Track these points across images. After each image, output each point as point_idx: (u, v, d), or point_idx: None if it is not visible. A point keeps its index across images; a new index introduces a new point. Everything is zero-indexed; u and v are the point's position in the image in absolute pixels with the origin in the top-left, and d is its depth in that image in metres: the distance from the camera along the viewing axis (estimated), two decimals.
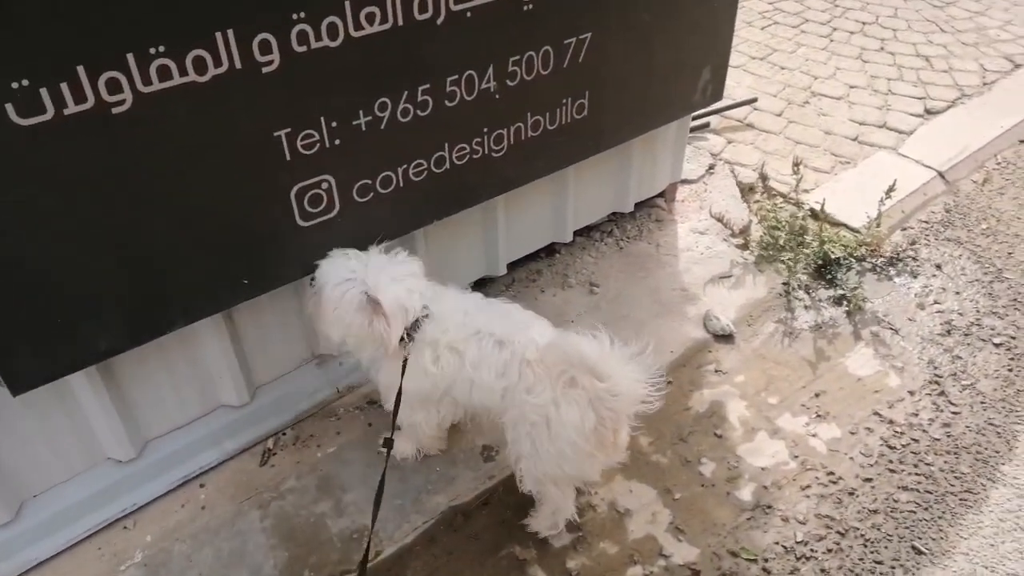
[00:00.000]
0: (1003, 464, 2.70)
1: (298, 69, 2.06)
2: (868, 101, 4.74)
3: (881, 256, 3.59)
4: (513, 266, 3.38)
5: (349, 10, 2.07)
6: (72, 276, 1.98)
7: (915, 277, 3.51)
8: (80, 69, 1.73)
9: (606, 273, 3.47)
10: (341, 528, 2.46)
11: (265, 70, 2.01)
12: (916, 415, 2.87)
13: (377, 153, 2.39)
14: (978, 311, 3.32)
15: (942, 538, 2.48)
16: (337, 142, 2.26)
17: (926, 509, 2.56)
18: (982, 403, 2.91)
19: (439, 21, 2.28)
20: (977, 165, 4.21)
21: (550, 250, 3.55)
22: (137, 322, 2.17)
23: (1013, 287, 3.43)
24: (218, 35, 1.89)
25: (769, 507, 2.56)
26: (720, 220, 3.75)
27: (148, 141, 1.92)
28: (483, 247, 3.16)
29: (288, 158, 2.19)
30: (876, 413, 2.88)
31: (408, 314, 2.18)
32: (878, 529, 2.51)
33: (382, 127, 2.34)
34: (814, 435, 2.80)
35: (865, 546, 2.46)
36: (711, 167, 4.18)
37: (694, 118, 4.12)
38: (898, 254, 3.61)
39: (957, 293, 3.41)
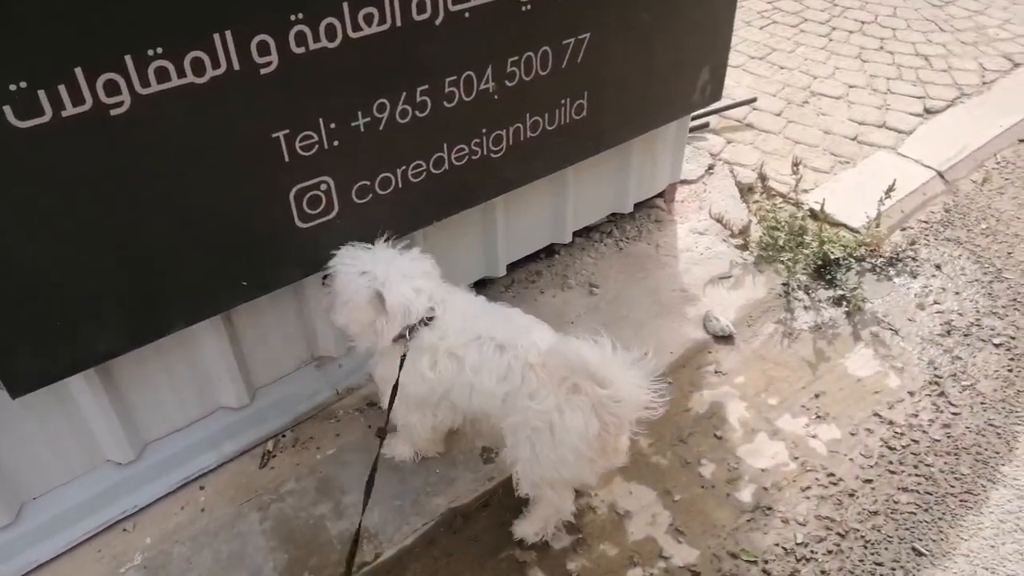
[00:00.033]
0: (1003, 465, 2.70)
1: (296, 70, 2.06)
2: (867, 101, 4.73)
3: (881, 256, 3.59)
4: (512, 267, 3.38)
5: (347, 11, 2.07)
6: (71, 278, 1.97)
7: (915, 277, 3.51)
8: (78, 71, 1.73)
9: (606, 274, 3.46)
10: (341, 530, 2.45)
11: (263, 71, 2.01)
12: (916, 416, 2.87)
13: (376, 154, 2.38)
14: (978, 311, 3.31)
15: (942, 539, 2.48)
16: (336, 143, 2.26)
17: (926, 510, 2.56)
18: (982, 404, 2.91)
19: (437, 22, 2.28)
20: (977, 165, 4.21)
21: (549, 251, 3.54)
22: (136, 324, 2.16)
23: (1013, 287, 3.43)
24: (216, 36, 1.89)
25: (769, 508, 2.56)
26: (719, 220, 3.74)
27: (147, 143, 1.92)
28: (482, 248, 3.16)
29: (287, 159, 2.18)
30: (876, 414, 2.88)
31: (411, 314, 2.18)
32: (878, 530, 2.50)
33: (381, 128, 2.33)
34: (814, 436, 2.80)
35: (865, 547, 2.46)
36: (710, 167, 4.17)
37: (693, 118, 4.11)
38: (898, 254, 3.61)
39: (957, 293, 3.41)
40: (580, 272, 3.47)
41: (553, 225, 3.40)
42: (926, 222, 3.82)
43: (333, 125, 2.22)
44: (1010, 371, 3.04)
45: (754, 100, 4.71)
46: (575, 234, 3.53)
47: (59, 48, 1.69)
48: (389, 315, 2.14)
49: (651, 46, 2.97)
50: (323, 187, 2.31)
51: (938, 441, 2.79)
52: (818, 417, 2.87)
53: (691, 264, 3.54)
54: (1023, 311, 3.30)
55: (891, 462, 2.71)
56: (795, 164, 3.66)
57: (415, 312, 2.18)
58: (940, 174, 4.09)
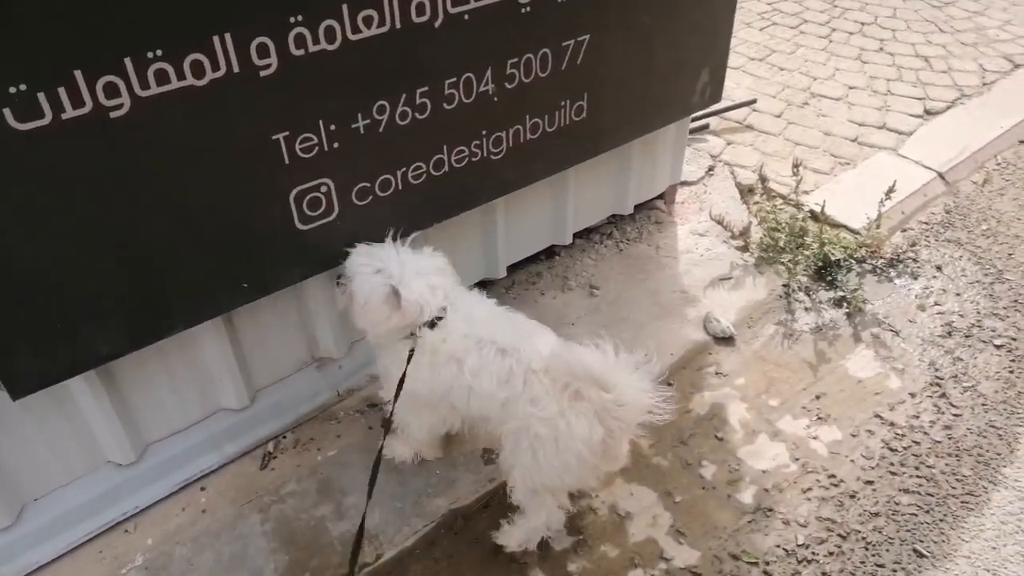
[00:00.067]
0: (1004, 466, 2.70)
1: (296, 72, 2.06)
2: (867, 102, 4.73)
3: (881, 257, 3.59)
4: (513, 268, 3.38)
5: (347, 13, 2.07)
6: (72, 280, 1.98)
7: (915, 279, 3.50)
8: (78, 73, 1.73)
9: (606, 275, 3.47)
10: (342, 531, 2.45)
11: (263, 74, 2.01)
12: (917, 417, 2.87)
13: (376, 156, 2.39)
14: (979, 312, 3.31)
15: (943, 541, 2.48)
16: (336, 145, 2.26)
17: (927, 512, 2.56)
18: (983, 405, 2.91)
19: (437, 24, 2.28)
20: (977, 166, 4.20)
21: (550, 252, 3.54)
22: (137, 326, 2.17)
23: (1014, 288, 3.42)
24: (215, 39, 1.89)
25: (770, 510, 2.56)
26: (720, 222, 3.74)
27: (146, 145, 1.92)
28: (482, 249, 3.16)
29: (287, 161, 2.19)
30: (877, 415, 2.88)
31: (424, 311, 2.17)
32: (879, 532, 2.50)
33: (380, 130, 2.34)
34: (815, 437, 2.80)
35: (866, 549, 2.45)
36: (711, 169, 4.17)
37: (693, 120, 4.12)
38: (898, 255, 3.61)
39: (958, 294, 3.41)
40: (580, 274, 3.47)
41: (553, 227, 3.40)
42: (927, 223, 3.82)
43: (333, 127, 2.23)
44: (1011, 372, 3.04)
45: (754, 101, 4.71)
46: (575, 235, 3.54)
47: (59, 50, 1.70)
48: (404, 311, 2.13)
49: (651, 48, 2.97)
50: (323, 189, 2.31)
51: (939, 442, 2.78)
52: (819, 418, 2.86)
53: (691, 265, 3.54)
54: None
55: (892, 463, 2.71)
56: (795, 165, 3.66)
57: (429, 309, 2.18)
58: (940, 175, 4.09)
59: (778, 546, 2.46)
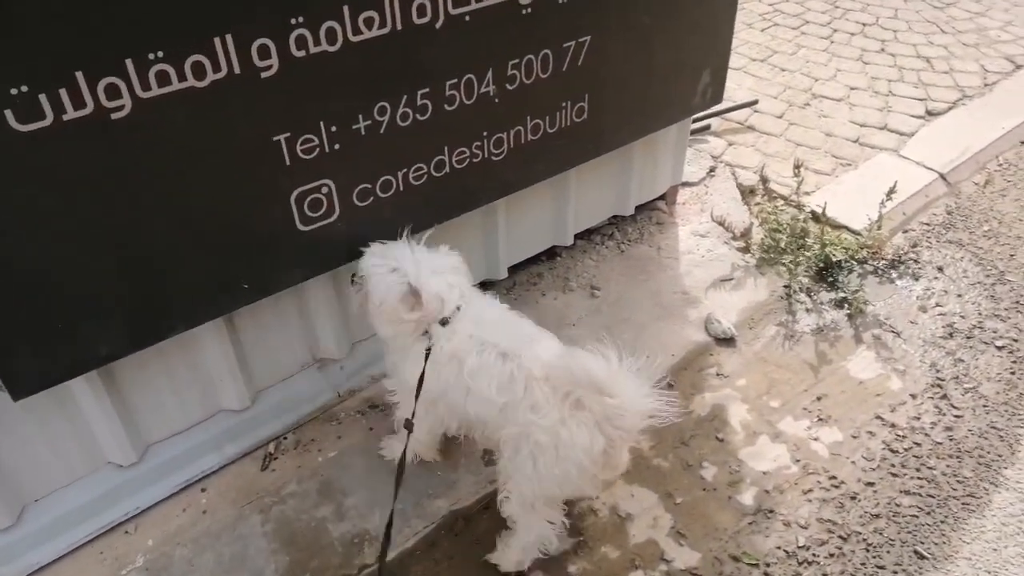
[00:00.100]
0: (1006, 468, 2.69)
1: (297, 74, 2.06)
2: (869, 103, 4.73)
3: (882, 259, 3.59)
4: (514, 269, 3.38)
5: (348, 15, 2.08)
6: (73, 281, 1.98)
7: (917, 280, 3.50)
8: (79, 75, 1.74)
9: (607, 276, 3.46)
10: (342, 532, 2.45)
11: (264, 75, 2.01)
12: (918, 419, 2.87)
13: (377, 157, 2.39)
14: (980, 314, 3.31)
15: (944, 543, 2.48)
16: (337, 146, 2.26)
17: (928, 513, 2.56)
18: (984, 406, 2.91)
19: (438, 25, 2.28)
20: (978, 167, 4.20)
21: (551, 253, 3.54)
22: (138, 327, 2.17)
23: (1015, 289, 3.42)
24: (217, 40, 1.89)
25: (771, 511, 2.56)
26: (721, 223, 3.74)
27: (147, 146, 1.92)
28: (483, 250, 3.16)
29: (288, 162, 2.19)
30: (878, 416, 2.87)
31: (445, 304, 2.16)
32: (880, 533, 2.50)
33: (381, 131, 2.34)
34: (816, 439, 2.79)
35: (867, 551, 2.45)
36: (712, 170, 4.17)
37: (695, 120, 4.11)
38: (899, 256, 3.60)
39: (959, 296, 3.41)
40: (581, 274, 3.47)
41: (554, 227, 3.40)
42: (928, 224, 3.81)
43: (334, 128, 2.23)
44: (1012, 374, 3.03)
45: (755, 102, 4.71)
46: (576, 236, 3.54)
47: (60, 52, 1.70)
48: (425, 307, 2.11)
49: (652, 49, 2.97)
50: (324, 190, 2.31)
51: (940, 444, 2.78)
52: (820, 420, 2.86)
53: (692, 266, 3.53)
54: None
55: (893, 465, 2.71)
56: (796, 166, 3.65)
57: (449, 304, 2.17)
58: (942, 176, 4.09)
59: (779, 548, 2.46)
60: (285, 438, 2.74)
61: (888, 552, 2.45)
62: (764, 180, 4.01)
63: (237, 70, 1.96)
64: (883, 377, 3.04)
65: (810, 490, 2.63)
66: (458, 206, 2.75)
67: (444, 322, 2.17)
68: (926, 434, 2.81)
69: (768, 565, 2.41)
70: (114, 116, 1.82)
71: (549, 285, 3.41)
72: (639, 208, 3.74)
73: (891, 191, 3.48)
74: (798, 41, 5.48)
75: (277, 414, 2.75)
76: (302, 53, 2.05)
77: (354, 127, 2.27)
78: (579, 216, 3.45)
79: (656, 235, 3.71)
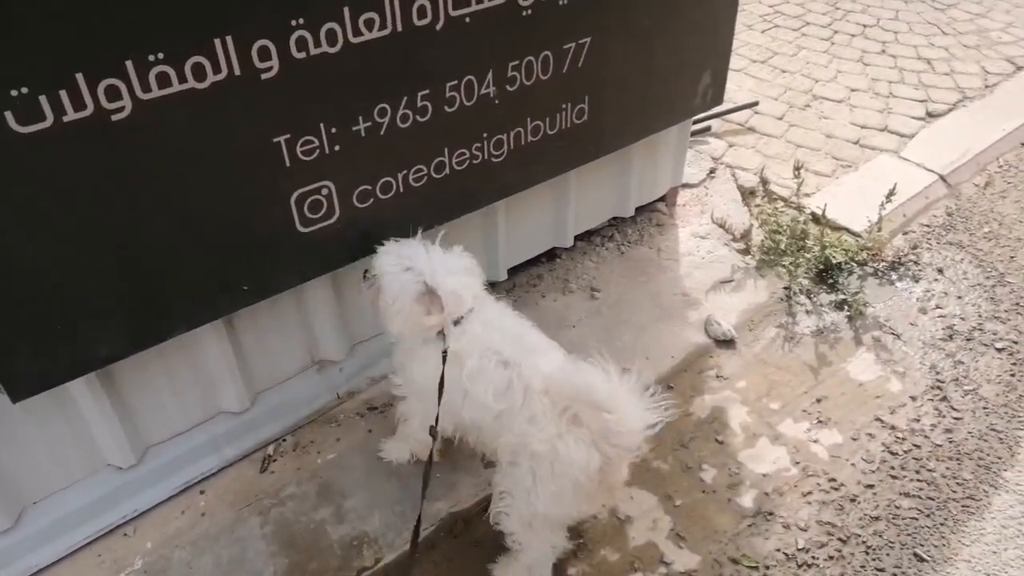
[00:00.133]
0: (1005, 470, 2.69)
1: (297, 75, 2.06)
2: (869, 104, 4.73)
3: (883, 260, 3.59)
4: (514, 271, 3.38)
5: (348, 16, 2.07)
6: (73, 283, 1.97)
7: (917, 281, 3.50)
8: (79, 76, 1.73)
9: (607, 278, 3.46)
10: (341, 535, 2.45)
11: (264, 76, 2.01)
12: (918, 421, 2.86)
13: (377, 159, 2.38)
14: (980, 316, 3.31)
15: (944, 545, 2.47)
16: (337, 148, 2.26)
17: (928, 516, 2.55)
18: (984, 408, 2.90)
19: (438, 27, 2.28)
20: (979, 168, 4.20)
21: (551, 255, 3.54)
22: (137, 328, 2.16)
23: (1015, 291, 3.42)
24: (217, 42, 1.89)
25: (770, 514, 2.55)
26: (721, 225, 3.74)
27: (148, 148, 1.92)
28: (483, 252, 3.16)
29: (288, 164, 2.19)
30: (878, 419, 2.87)
31: (463, 302, 2.14)
32: (880, 536, 2.50)
33: (382, 133, 2.33)
34: (815, 441, 2.79)
35: (867, 553, 2.45)
36: (712, 171, 4.17)
37: (695, 122, 4.11)
38: (900, 258, 3.60)
39: (959, 297, 3.40)
40: (581, 276, 3.47)
41: (554, 229, 3.40)
42: (928, 226, 3.81)
43: (334, 130, 2.22)
44: (1012, 376, 3.03)
45: (756, 104, 4.71)
46: (576, 238, 3.53)
47: (60, 53, 1.70)
48: (445, 305, 2.09)
49: (652, 50, 2.97)
50: (324, 192, 2.31)
51: (940, 446, 2.78)
52: (820, 422, 2.86)
53: (692, 268, 3.53)
54: None
55: (893, 467, 2.71)
56: (797, 168, 3.65)
57: (466, 304, 2.15)
58: (942, 178, 4.09)
59: (778, 550, 2.46)
60: (284, 440, 2.74)
61: (888, 555, 2.45)
62: (764, 182, 4.01)
63: (237, 71, 1.95)
64: (883, 379, 3.04)
65: (810, 492, 2.62)
66: (458, 207, 2.74)
67: (456, 322, 2.16)
68: (926, 436, 2.81)
69: (768, 568, 2.41)
70: (114, 118, 1.82)
71: (549, 287, 3.41)
72: (639, 210, 3.74)
73: (891, 193, 3.48)
74: (799, 43, 5.48)
75: (276, 416, 2.75)
76: (302, 54, 2.04)
77: (354, 128, 2.27)
78: (579, 218, 3.44)
79: (656, 237, 3.71)
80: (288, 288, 2.46)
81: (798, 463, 2.72)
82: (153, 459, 2.55)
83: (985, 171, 4.19)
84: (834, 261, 3.47)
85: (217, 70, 1.92)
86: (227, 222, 2.17)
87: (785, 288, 3.43)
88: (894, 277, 3.52)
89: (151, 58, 1.81)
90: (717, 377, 3.03)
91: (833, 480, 2.66)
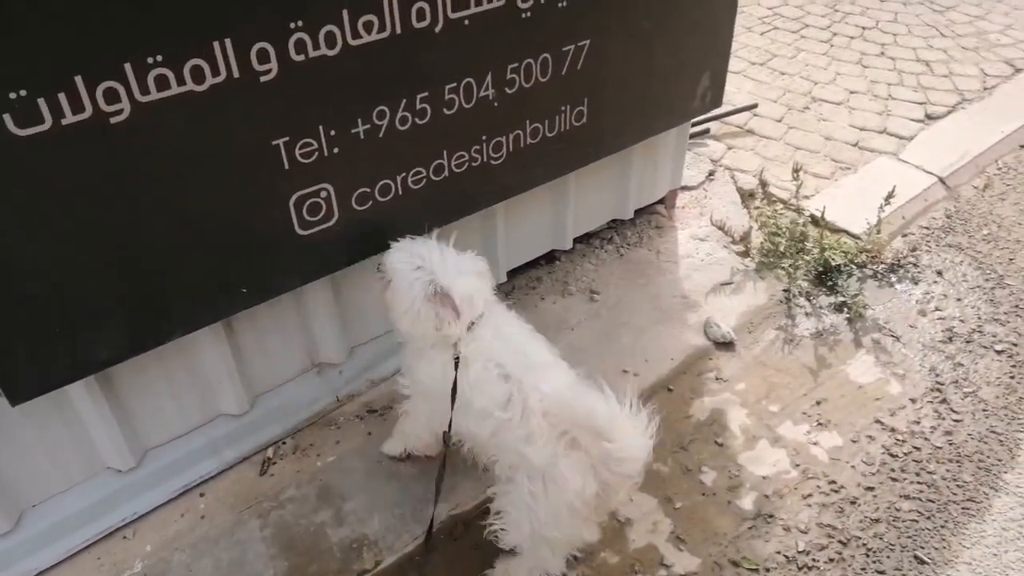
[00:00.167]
0: (1006, 472, 2.69)
1: (296, 78, 2.06)
2: (868, 106, 4.73)
3: (882, 262, 3.59)
4: (513, 273, 3.38)
5: (347, 19, 2.07)
6: (71, 286, 1.97)
7: (916, 284, 3.50)
8: (78, 79, 1.73)
9: (606, 280, 3.46)
10: (341, 537, 2.45)
11: (263, 79, 2.01)
12: (918, 423, 2.86)
13: (376, 161, 2.39)
14: (980, 318, 3.30)
15: (944, 547, 2.47)
16: (336, 150, 2.26)
17: (928, 518, 2.55)
18: (984, 411, 2.90)
19: (437, 29, 2.28)
20: (978, 170, 4.20)
21: (550, 257, 3.54)
22: (136, 331, 2.16)
23: (1015, 293, 3.42)
24: (216, 44, 1.89)
25: (770, 516, 2.55)
26: (720, 227, 3.74)
27: (146, 150, 1.92)
28: (482, 254, 3.09)
29: (287, 166, 2.19)
30: (878, 421, 2.87)
31: (475, 307, 2.11)
32: (880, 538, 2.49)
33: (380, 135, 2.33)
34: (815, 443, 2.79)
35: (867, 556, 2.45)
36: (711, 173, 4.17)
37: (694, 124, 4.12)
38: (899, 260, 3.60)
39: (958, 300, 3.40)
40: (581, 278, 3.47)
41: (554, 231, 3.40)
42: (927, 228, 3.81)
43: (333, 132, 2.23)
44: (1012, 378, 3.03)
45: (755, 106, 4.71)
46: (576, 240, 3.53)
47: (59, 56, 1.70)
48: (458, 308, 2.06)
49: (651, 52, 2.97)
50: (323, 194, 2.31)
51: (940, 448, 2.78)
52: (819, 424, 2.86)
53: (692, 270, 3.53)
54: None
55: (893, 469, 2.70)
56: (796, 170, 3.65)
57: (476, 309, 2.12)
58: (941, 180, 4.09)
59: (779, 552, 2.45)
60: (284, 443, 2.73)
61: (888, 557, 2.44)
62: (763, 184, 4.01)
63: (236, 74, 1.95)
64: (883, 381, 3.03)
65: (810, 495, 2.62)
66: (457, 210, 2.74)
67: (468, 327, 2.13)
68: (926, 438, 2.81)
69: (768, 570, 2.40)
70: (113, 120, 1.82)
71: (548, 289, 3.41)
72: (638, 212, 3.74)
73: (890, 195, 3.48)
74: (797, 45, 5.49)
75: (276, 419, 2.74)
76: (301, 57, 2.04)
77: (353, 131, 2.27)
78: (578, 220, 3.44)
79: (655, 239, 3.71)
80: (287, 291, 2.46)
81: (798, 465, 2.71)
82: (152, 462, 2.55)
83: (984, 173, 4.19)
84: (833, 263, 3.47)
85: (216, 73, 1.92)
86: (226, 224, 2.17)
87: (784, 290, 3.43)
88: (893, 279, 3.52)
89: (150, 61, 1.81)
90: (716, 379, 3.03)
91: (833, 482, 2.66)
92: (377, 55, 2.19)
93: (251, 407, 2.70)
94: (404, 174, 2.47)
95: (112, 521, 2.44)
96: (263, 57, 1.98)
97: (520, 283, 3.42)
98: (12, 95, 1.66)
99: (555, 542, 2.10)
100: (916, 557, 2.44)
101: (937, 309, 3.36)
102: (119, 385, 2.37)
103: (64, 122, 1.75)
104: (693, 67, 3.23)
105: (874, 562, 2.43)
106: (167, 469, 2.55)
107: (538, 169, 2.90)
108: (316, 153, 2.22)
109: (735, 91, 4.84)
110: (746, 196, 3.99)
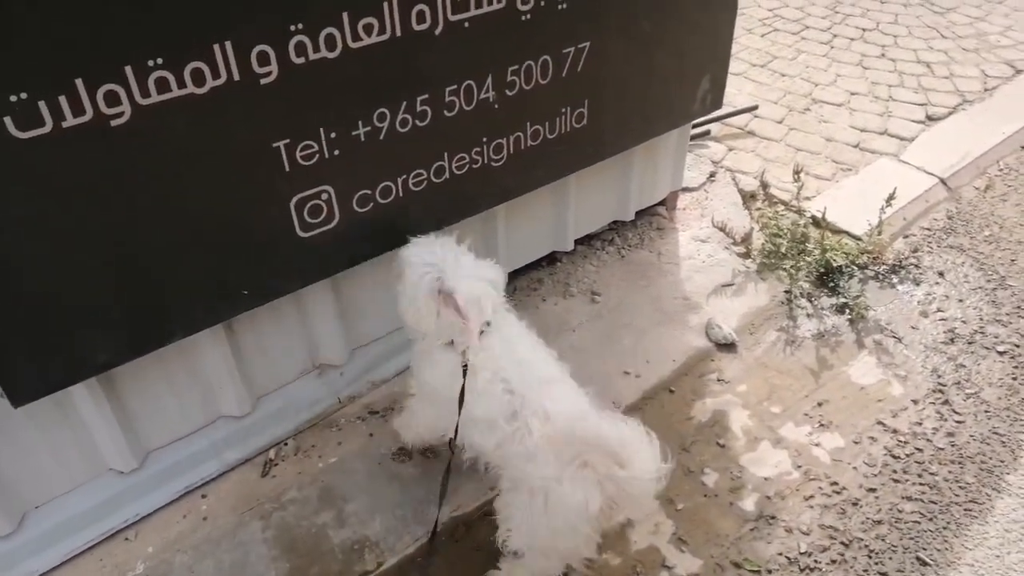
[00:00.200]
0: (1008, 474, 2.68)
1: (296, 80, 2.07)
2: (869, 108, 4.73)
3: (883, 264, 3.58)
4: (514, 275, 3.38)
5: (347, 21, 2.08)
6: (72, 288, 1.98)
7: (918, 285, 3.50)
8: (79, 82, 1.74)
9: (608, 282, 3.46)
10: (343, 539, 2.45)
11: (263, 81, 2.01)
12: (920, 424, 2.86)
13: (376, 163, 2.39)
14: (981, 319, 3.30)
15: (947, 549, 2.47)
16: (336, 153, 2.26)
17: (930, 520, 2.55)
18: (986, 412, 2.90)
19: (437, 32, 2.28)
20: (979, 171, 4.20)
21: (551, 259, 3.54)
22: (137, 334, 2.17)
23: (1016, 294, 3.41)
24: (216, 47, 1.89)
25: (772, 518, 2.55)
26: (721, 228, 3.74)
27: (147, 153, 1.92)
28: (484, 256, 3.15)
29: (287, 169, 2.19)
30: (879, 422, 2.87)
31: (481, 314, 2.08)
32: (882, 540, 2.49)
33: (381, 137, 2.34)
34: (817, 445, 2.79)
35: (869, 557, 2.44)
36: (712, 175, 4.17)
37: (695, 126, 4.12)
38: (900, 262, 3.60)
39: (960, 301, 3.40)
40: (582, 280, 3.47)
41: (555, 233, 3.40)
42: (929, 229, 3.81)
43: (333, 135, 2.23)
44: (1014, 379, 3.03)
45: (756, 108, 4.71)
46: (577, 242, 3.54)
47: (60, 59, 1.70)
48: (463, 310, 2.02)
49: (651, 54, 2.98)
50: (324, 196, 2.31)
51: (942, 450, 2.77)
52: (821, 425, 2.86)
53: (693, 272, 3.53)
54: None
55: (895, 471, 2.70)
56: (797, 171, 3.66)
57: (485, 314, 2.09)
58: (943, 181, 4.08)
59: (780, 554, 2.45)
60: (285, 444, 2.74)
61: (890, 558, 2.44)
62: (764, 185, 4.01)
63: (236, 77, 1.96)
64: (884, 382, 3.03)
65: (812, 496, 2.62)
66: (458, 212, 2.75)
67: (479, 334, 2.11)
68: (928, 440, 2.80)
69: (770, 572, 2.40)
70: (114, 123, 1.83)
71: (549, 291, 3.41)
72: (639, 213, 3.74)
73: (891, 196, 3.48)
74: (798, 46, 5.49)
75: (277, 420, 2.75)
76: (301, 60, 2.05)
77: (354, 133, 2.27)
78: (579, 222, 3.45)
79: (656, 240, 3.71)
80: (288, 293, 2.46)
81: (800, 467, 2.71)
82: (154, 463, 2.55)
83: (985, 174, 4.19)
84: (835, 264, 3.47)
85: (216, 75, 1.92)
86: (227, 227, 2.18)
87: (786, 291, 3.42)
88: (895, 280, 3.52)
89: (150, 63, 1.81)
90: (718, 381, 3.03)
91: (835, 484, 2.65)
92: (377, 57, 2.19)
93: (252, 409, 2.71)
94: (405, 176, 2.48)
95: (114, 522, 2.45)
96: (263, 59, 1.98)
97: (521, 284, 3.42)
98: (13, 97, 1.67)
99: (553, 553, 2.10)
100: (918, 559, 2.44)
101: (939, 310, 3.35)
102: (121, 387, 2.37)
103: (65, 124, 1.76)
104: (693, 69, 3.23)
105: (876, 564, 2.42)
106: (169, 470, 2.56)
107: (539, 171, 2.91)
108: (317, 155, 2.22)
109: (736, 93, 4.84)
110: (747, 197, 3.99)
